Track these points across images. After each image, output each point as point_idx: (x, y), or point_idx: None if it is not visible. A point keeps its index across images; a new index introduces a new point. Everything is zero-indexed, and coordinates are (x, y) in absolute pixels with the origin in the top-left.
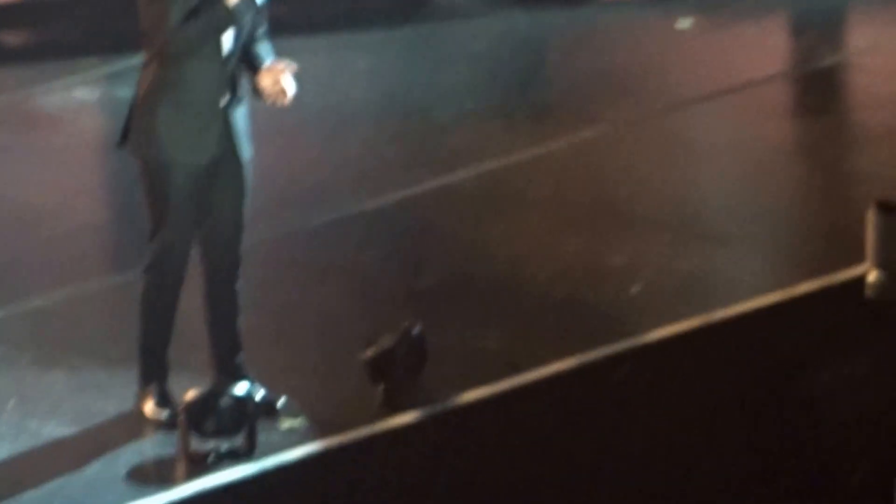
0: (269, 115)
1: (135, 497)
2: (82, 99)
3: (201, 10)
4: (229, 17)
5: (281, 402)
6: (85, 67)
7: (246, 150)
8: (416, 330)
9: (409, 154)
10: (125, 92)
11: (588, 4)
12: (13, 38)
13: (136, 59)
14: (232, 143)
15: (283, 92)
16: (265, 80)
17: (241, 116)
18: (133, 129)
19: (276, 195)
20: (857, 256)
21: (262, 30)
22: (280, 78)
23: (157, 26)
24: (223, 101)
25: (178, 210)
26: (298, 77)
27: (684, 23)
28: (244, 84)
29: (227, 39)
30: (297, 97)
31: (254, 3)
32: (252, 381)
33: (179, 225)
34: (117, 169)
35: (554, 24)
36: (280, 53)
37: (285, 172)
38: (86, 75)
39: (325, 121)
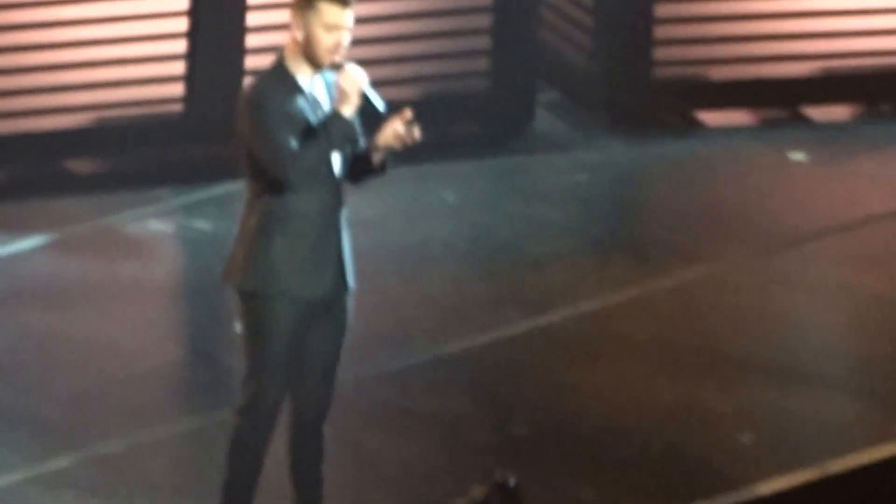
0: (352, 238)
1: None
2: (158, 230)
3: (316, 130)
4: (347, 131)
5: None
6: (157, 198)
7: (352, 279)
8: (508, 481)
9: (499, 293)
10: (201, 224)
11: (692, 133)
12: (82, 167)
13: (209, 191)
14: (343, 274)
15: (411, 131)
16: (391, 128)
17: (348, 244)
18: (242, 261)
19: (355, 336)
20: None
21: (362, 139)
22: (406, 119)
23: (272, 156)
24: (339, 228)
25: (282, 349)
26: (382, 210)
27: (797, 155)
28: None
29: (337, 159)
30: (380, 231)
31: (374, 109)
32: None
33: (280, 365)
34: (196, 306)
35: (655, 155)
36: (368, 184)
37: (366, 311)
38: (159, 206)
39: (410, 256)
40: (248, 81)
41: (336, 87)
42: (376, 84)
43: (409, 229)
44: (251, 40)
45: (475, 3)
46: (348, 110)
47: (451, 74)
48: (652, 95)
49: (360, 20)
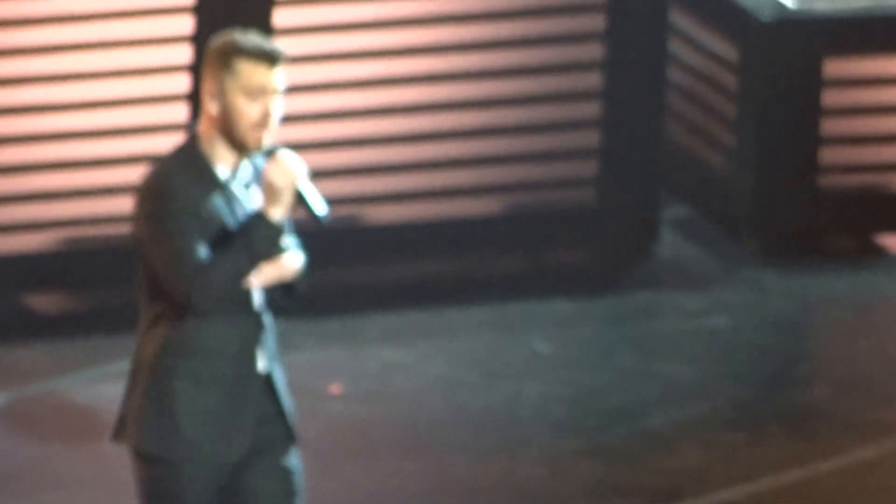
0: (407, 418)
1: None
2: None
3: (233, 239)
4: (273, 238)
5: None
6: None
7: (292, 419)
8: None
9: (608, 477)
10: None
11: (872, 264)
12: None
13: None
14: (277, 423)
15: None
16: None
17: (282, 382)
18: (136, 412)
19: None
20: None
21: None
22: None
23: (172, 272)
24: (261, 366)
25: None
26: (455, 366)
27: None
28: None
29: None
30: (452, 393)
31: (310, 212)
32: None
33: None
34: None
35: (822, 292)
36: (430, 329)
37: (429, 500)
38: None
39: (490, 427)
40: (148, 167)
41: (264, 179)
42: (437, 193)
43: (489, 391)
44: None
45: (581, 85)
46: (277, 212)
47: (547, 182)
48: (818, 212)
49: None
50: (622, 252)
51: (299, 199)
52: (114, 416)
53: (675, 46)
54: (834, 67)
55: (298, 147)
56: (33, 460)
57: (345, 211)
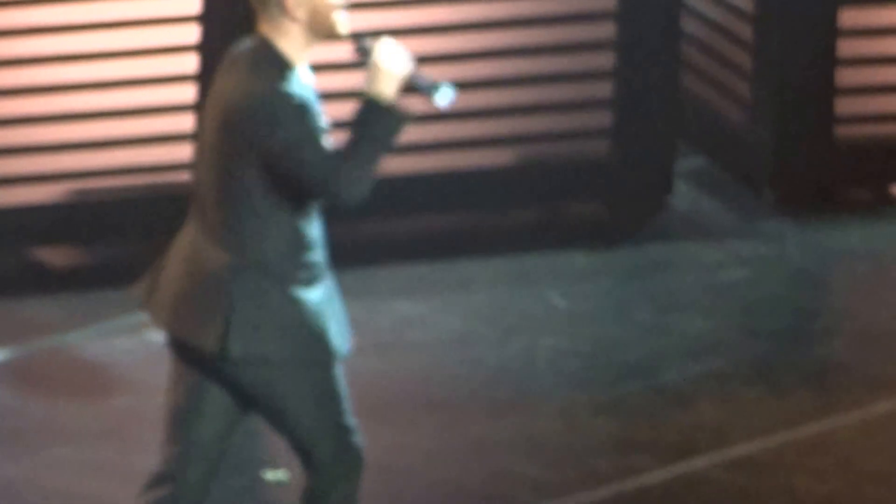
0: (422, 372)
1: None
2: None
3: (356, 129)
4: (395, 123)
5: None
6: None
7: None
8: None
9: (625, 432)
10: None
11: (890, 216)
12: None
13: None
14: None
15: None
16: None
17: None
18: (261, 329)
19: (436, 488)
20: None
21: None
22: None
23: (317, 170)
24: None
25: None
26: (468, 320)
27: None
28: None
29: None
30: (467, 349)
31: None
32: None
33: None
34: None
35: (838, 245)
36: (444, 282)
37: (448, 457)
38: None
39: (506, 383)
40: (229, 78)
41: (372, 64)
42: (450, 145)
43: (505, 345)
44: None
45: (595, 36)
46: (388, 95)
47: (562, 134)
48: (834, 163)
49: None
50: (638, 204)
51: (411, 84)
52: (124, 370)
53: None
54: (849, 17)
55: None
56: (43, 415)
57: None
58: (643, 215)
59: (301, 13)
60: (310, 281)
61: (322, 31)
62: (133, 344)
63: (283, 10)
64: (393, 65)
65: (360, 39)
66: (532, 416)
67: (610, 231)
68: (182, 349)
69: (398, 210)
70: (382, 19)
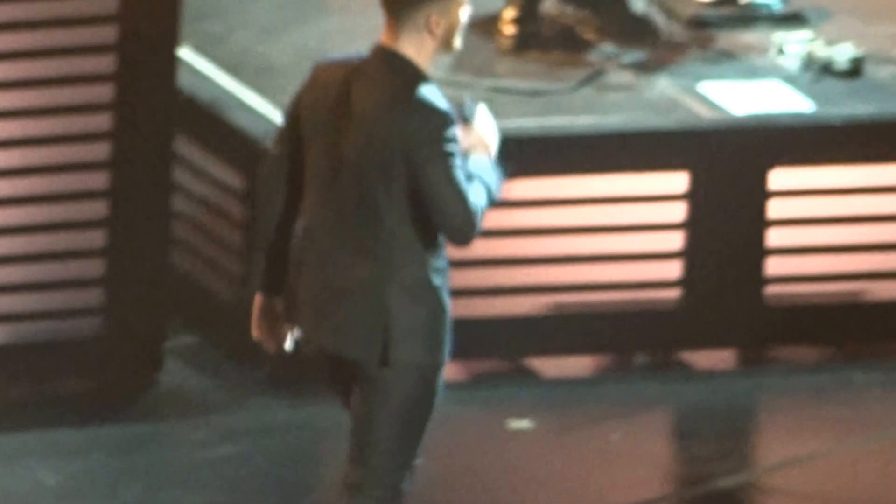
0: None
1: None
2: None
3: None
4: (498, 185)
5: None
6: None
7: None
8: None
9: None
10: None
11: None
12: None
13: None
14: None
15: None
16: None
17: None
18: (421, 327)
19: None
20: None
21: None
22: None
23: (457, 208)
24: None
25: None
26: None
27: (520, 422)
28: None
29: None
30: None
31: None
32: None
33: None
34: None
35: (332, 422)
36: None
37: None
38: None
39: None
40: (400, 96)
41: (474, 131)
42: None
43: None
44: None
45: (85, 213)
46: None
47: (53, 312)
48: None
49: None
50: (127, 381)
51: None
52: None
53: (181, 174)
54: None
55: None
56: None
57: None
58: (133, 392)
59: (440, 29)
60: (444, 285)
61: (447, 47)
62: None
63: (427, 25)
64: (489, 133)
65: (465, 104)
66: None
67: (100, 408)
68: (341, 367)
69: None
70: None
